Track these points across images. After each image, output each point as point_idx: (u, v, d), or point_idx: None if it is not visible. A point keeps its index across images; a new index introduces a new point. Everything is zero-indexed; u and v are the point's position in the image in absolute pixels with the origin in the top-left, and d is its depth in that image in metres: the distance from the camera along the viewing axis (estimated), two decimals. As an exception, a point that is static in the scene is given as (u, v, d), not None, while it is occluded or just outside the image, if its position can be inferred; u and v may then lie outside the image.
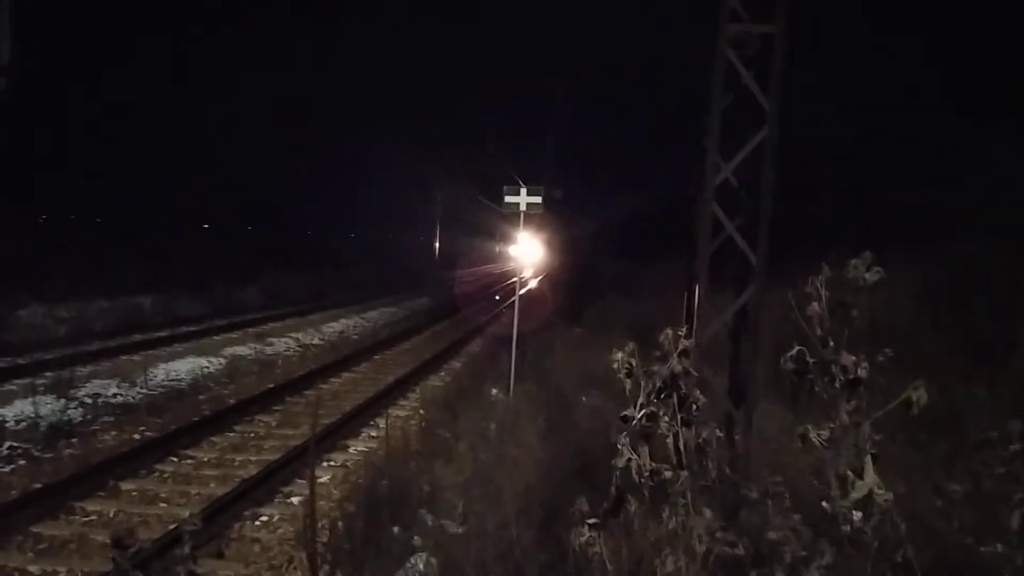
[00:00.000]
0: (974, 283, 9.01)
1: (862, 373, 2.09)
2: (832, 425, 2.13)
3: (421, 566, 4.84)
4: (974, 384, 6.79)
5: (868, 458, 2.14)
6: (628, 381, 2.33)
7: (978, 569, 2.71)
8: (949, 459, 4.31)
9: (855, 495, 2.13)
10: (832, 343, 2.14)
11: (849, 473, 2.15)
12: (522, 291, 11.40)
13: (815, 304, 2.16)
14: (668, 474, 2.24)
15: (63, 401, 9.64)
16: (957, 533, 2.84)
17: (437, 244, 44.65)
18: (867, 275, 2.15)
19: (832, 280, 2.18)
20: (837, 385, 2.14)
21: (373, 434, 9.69)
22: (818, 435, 2.19)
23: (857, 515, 2.15)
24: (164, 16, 30.89)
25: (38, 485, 7.06)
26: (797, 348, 2.20)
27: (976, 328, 8.12)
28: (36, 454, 8.15)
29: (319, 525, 5.22)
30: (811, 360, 2.16)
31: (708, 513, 2.32)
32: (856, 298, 2.13)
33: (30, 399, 9.35)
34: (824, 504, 2.20)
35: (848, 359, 2.14)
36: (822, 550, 2.18)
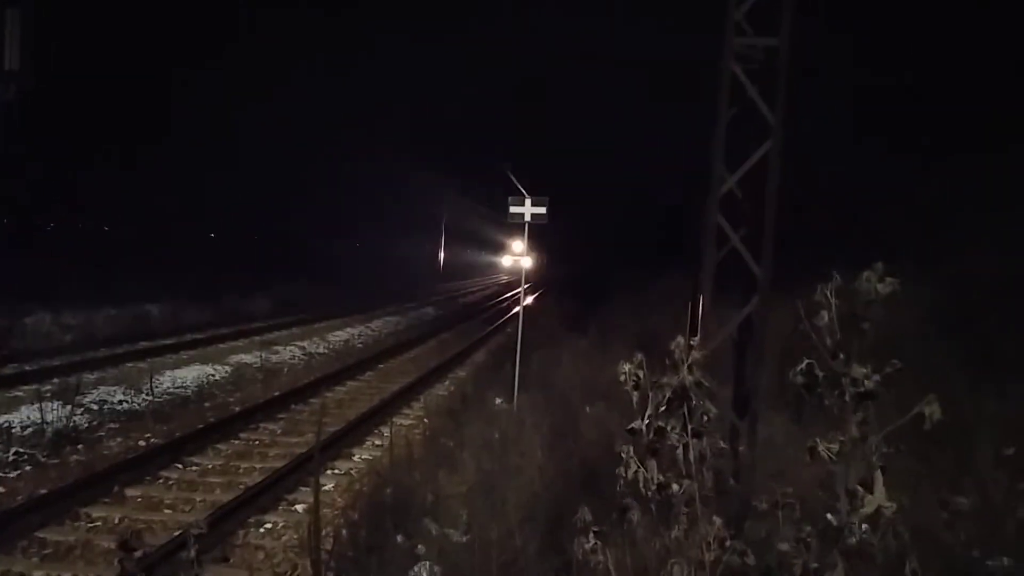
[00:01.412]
0: (984, 297, 8.97)
1: (873, 386, 2.07)
2: (842, 438, 2.11)
3: (425, 574, 4.83)
4: (982, 398, 6.75)
5: (878, 472, 2.12)
6: (635, 393, 2.32)
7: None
8: (956, 472, 4.30)
9: (865, 510, 2.11)
10: (842, 355, 2.11)
11: (859, 488, 2.13)
12: (527, 301, 11.40)
13: (824, 314, 2.13)
14: (675, 486, 2.23)
15: (69, 407, 9.65)
16: (963, 546, 2.83)
17: (442, 254, 44.78)
18: (879, 287, 2.11)
19: (842, 290, 2.14)
20: (847, 398, 2.12)
21: (377, 442, 9.68)
22: (827, 448, 2.17)
23: (863, 527, 2.13)
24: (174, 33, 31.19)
25: (44, 491, 7.08)
26: (806, 361, 2.18)
27: (985, 342, 8.08)
28: (42, 460, 8.17)
29: (323, 533, 5.22)
30: (820, 373, 2.13)
31: (718, 521, 2.31)
32: (867, 311, 2.10)
33: (36, 405, 9.38)
34: (829, 516, 2.18)
35: (859, 371, 2.12)
36: (833, 562, 2.16)
